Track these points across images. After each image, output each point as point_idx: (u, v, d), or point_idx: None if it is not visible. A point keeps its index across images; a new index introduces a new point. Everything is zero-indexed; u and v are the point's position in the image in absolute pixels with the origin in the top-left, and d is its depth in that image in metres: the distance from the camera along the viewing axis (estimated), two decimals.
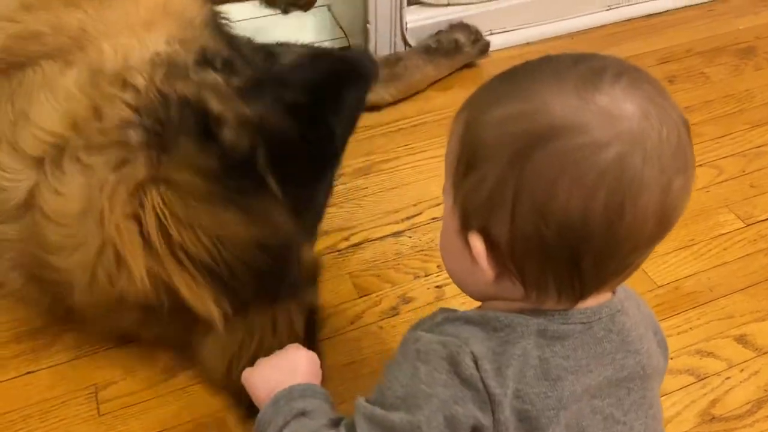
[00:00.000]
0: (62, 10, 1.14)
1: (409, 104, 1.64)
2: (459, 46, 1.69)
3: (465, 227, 0.67)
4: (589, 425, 0.70)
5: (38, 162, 1.01)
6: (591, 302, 0.70)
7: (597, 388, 0.70)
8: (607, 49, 1.81)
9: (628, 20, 1.91)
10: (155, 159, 0.95)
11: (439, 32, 1.72)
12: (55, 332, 1.17)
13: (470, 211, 0.66)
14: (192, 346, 1.07)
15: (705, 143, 1.55)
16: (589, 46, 1.82)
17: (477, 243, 0.66)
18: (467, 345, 0.66)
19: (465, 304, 0.91)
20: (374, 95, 1.58)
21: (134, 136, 0.97)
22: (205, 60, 1.10)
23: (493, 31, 1.78)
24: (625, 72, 0.63)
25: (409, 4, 1.69)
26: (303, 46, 1.34)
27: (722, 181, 1.47)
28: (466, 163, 0.66)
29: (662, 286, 1.28)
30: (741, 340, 1.21)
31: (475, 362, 0.65)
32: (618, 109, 0.60)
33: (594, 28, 1.88)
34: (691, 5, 1.96)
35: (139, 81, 1.01)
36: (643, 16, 1.92)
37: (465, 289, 0.76)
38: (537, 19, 1.82)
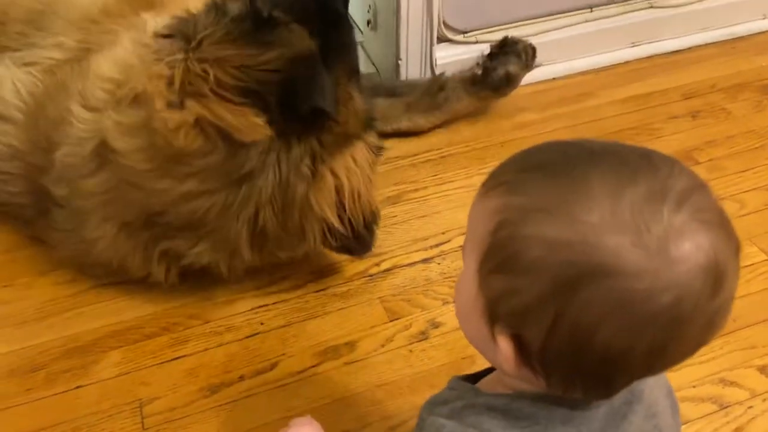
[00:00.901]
0: (132, 14, 1.30)
1: (437, 136, 1.70)
2: (511, 78, 1.64)
3: (491, 319, 0.63)
4: None
5: (100, 109, 1.15)
6: None
7: None
8: (631, 83, 1.87)
9: (651, 56, 1.97)
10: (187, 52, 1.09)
11: (491, 56, 1.64)
12: (102, 349, 1.24)
13: (499, 311, 0.62)
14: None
15: (728, 177, 1.59)
16: (614, 80, 1.87)
17: (505, 345, 0.62)
18: None
19: None
20: (411, 122, 1.65)
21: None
22: None
23: None
24: (688, 196, 0.58)
25: (439, 41, 1.76)
26: None
27: (745, 215, 1.51)
28: (499, 264, 0.61)
29: None
30: (764, 370, 1.23)
31: None
32: (677, 249, 0.56)
33: (619, 63, 1.94)
34: (713, 42, 2.01)
35: None
36: (666, 53, 1.98)
37: (484, 356, 0.71)
38: (563, 56, 1.88)
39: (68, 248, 1.28)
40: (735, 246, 0.60)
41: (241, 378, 1.20)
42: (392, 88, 1.69)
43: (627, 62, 1.94)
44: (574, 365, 0.60)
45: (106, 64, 1.19)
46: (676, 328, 0.58)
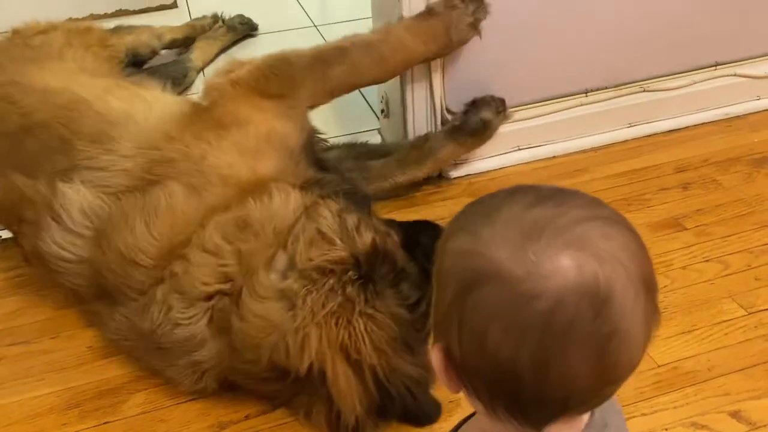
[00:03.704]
0: (192, 141, 1.45)
1: (440, 208, 1.85)
2: (486, 124, 1.86)
3: (435, 338, 0.73)
4: None
5: (207, 306, 1.30)
6: (562, 427, 0.71)
7: None
8: (626, 160, 2.00)
9: (649, 135, 2.10)
10: (365, 295, 1.23)
11: (466, 110, 1.88)
12: (129, 391, 1.41)
13: (435, 324, 0.72)
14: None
15: (713, 241, 1.68)
16: (610, 157, 2.01)
17: (436, 355, 0.71)
18: None
19: None
20: (406, 175, 1.83)
21: (353, 275, 1.24)
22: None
23: (520, 147, 2.02)
24: (576, 224, 0.65)
25: (443, 125, 1.94)
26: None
27: (728, 275, 1.59)
28: (435, 281, 0.71)
29: (662, 365, 1.39)
30: (735, 415, 1.30)
31: None
32: (551, 264, 0.62)
33: (617, 143, 2.08)
34: (710, 122, 2.14)
35: (333, 224, 1.30)
36: (663, 132, 2.11)
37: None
38: (562, 136, 2.04)
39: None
40: (635, 283, 0.64)
41: (247, 417, 1.35)
42: (383, 150, 1.89)
43: (625, 141, 2.09)
44: (484, 378, 0.67)
45: (203, 270, 1.30)
46: (554, 340, 0.63)
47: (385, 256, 1.28)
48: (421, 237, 1.36)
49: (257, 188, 1.37)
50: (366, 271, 1.25)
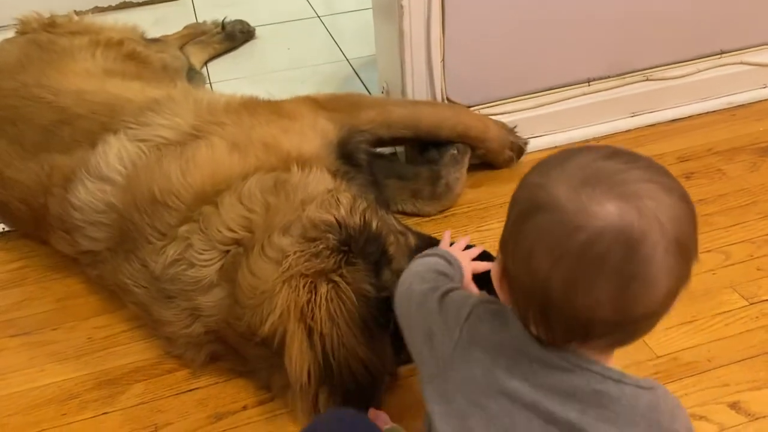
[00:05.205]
0: (246, 116, 1.52)
1: None
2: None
3: (499, 254, 0.87)
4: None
5: (224, 251, 1.30)
6: (585, 351, 0.83)
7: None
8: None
9: (652, 125, 2.09)
10: (338, 264, 1.21)
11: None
12: (128, 382, 1.42)
13: (500, 242, 0.86)
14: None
15: (716, 231, 1.67)
16: None
17: (495, 268, 0.88)
18: None
19: None
20: (417, 209, 1.82)
21: (332, 239, 1.22)
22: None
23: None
24: (633, 182, 0.76)
25: None
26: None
27: (729, 265, 1.58)
28: (509, 206, 0.85)
29: (662, 356, 1.38)
30: (734, 406, 1.29)
31: None
32: (599, 207, 0.75)
33: (619, 132, 2.06)
34: (714, 111, 2.12)
35: (345, 202, 1.30)
36: (666, 122, 2.09)
37: None
38: (564, 126, 2.03)
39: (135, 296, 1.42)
40: (669, 241, 0.75)
41: (245, 407, 1.35)
42: (402, 173, 1.85)
43: (627, 131, 2.07)
44: (523, 289, 0.81)
45: (232, 215, 1.31)
46: (585, 268, 0.75)
47: (377, 237, 1.26)
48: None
49: (300, 162, 1.43)
50: (346, 239, 1.23)
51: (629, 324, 0.79)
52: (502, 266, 0.86)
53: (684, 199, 0.79)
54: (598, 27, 1.93)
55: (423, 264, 1.09)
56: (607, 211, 0.75)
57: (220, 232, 1.30)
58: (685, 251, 0.77)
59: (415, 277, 1.05)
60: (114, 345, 1.50)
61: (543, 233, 0.77)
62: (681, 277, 0.78)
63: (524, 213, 0.80)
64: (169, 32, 2.54)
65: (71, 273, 1.65)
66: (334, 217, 1.24)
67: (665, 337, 1.42)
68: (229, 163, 1.40)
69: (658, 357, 1.38)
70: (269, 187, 1.34)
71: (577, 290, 0.76)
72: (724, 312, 1.47)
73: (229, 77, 2.46)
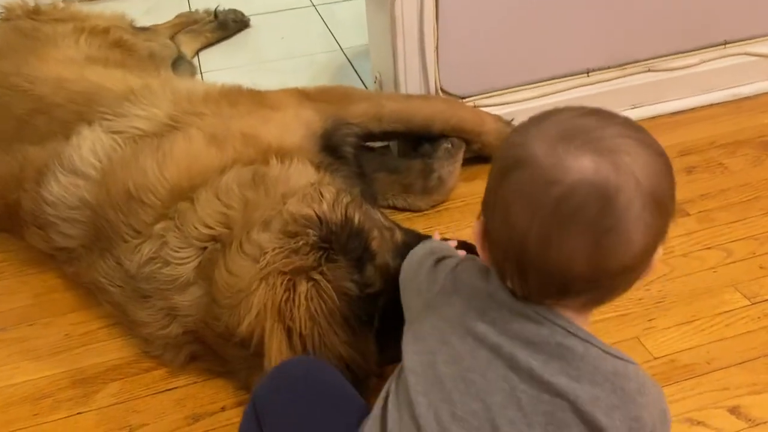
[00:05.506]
0: (226, 106, 1.47)
1: None
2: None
3: (481, 213, 0.88)
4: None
5: (201, 249, 1.24)
6: (560, 309, 0.84)
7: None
8: None
9: (654, 117, 2.02)
10: (318, 261, 1.16)
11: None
12: (104, 381, 1.37)
13: (483, 201, 0.87)
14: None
15: (717, 227, 1.60)
16: None
17: (477, 226, 0.88)
18: None
19: None
20: (408, 204, 1.75)
21: (312, 235, 1.17)
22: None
23: None
24: (608, 137, 0.77)
25: None
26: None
27: (731, 263, 1.52)
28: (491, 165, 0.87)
29: (659, 357, 1.33)
30: (734, 411, 1.23)
31: None
32: (575, 161, 0.76)
33: None
34: (719, 103, 2.05)
35: (328, 197, 1.24)
36: (669, 114, 2.03)
37: None
38: None
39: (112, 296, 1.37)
40: (644, 196, 0.75)
41: (223, 408, 1.30)
42: (393, 166, 1.79)
43: None
44: (502, 246, 0.82)
45: (208, 211, 1.26)
46: (560, 222, 0.76)
47: (359, 233, 1.21)
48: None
49: (280, 154, 1.38)
50: (327, 235, 1.17)
51: (605, 279, 0.79)
52: (483, 226, 0.87)
53: (661, 154, 0.80)
54: (599, 15, 1.86)
55: (421, 247, 1.11)
56: (583, 166, 0.76)
57: (196, 228, 1.25)
58: (662, 207, 0.77)
59: (419, 249, 1.10)
60: (91, 342, 1.45)
61: (520, 189, 0.79)
62: (657, 234, 0.79)
63: (503, 170, 0.81)
64: (162, 21, 2.49)
65: (49, 268, 1.59)
66: (315, 212, 1.19)
67: (663, 338, 1.36)
68: (206, 156, 1.34)
69: (655, 358, 1.32)
70: (247, 181, 1.28)
71: (552, 244, 0.77)
72: (725, 312, 1.41)
73: (222, 67, 2.40)
